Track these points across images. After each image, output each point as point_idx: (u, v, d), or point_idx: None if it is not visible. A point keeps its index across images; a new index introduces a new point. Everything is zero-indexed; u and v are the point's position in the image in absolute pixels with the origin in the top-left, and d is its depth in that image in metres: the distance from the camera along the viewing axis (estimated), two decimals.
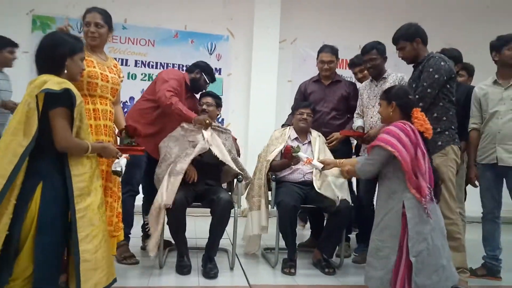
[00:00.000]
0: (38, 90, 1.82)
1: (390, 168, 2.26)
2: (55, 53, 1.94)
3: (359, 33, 5.15)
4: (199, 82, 3.29)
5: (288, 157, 2.91)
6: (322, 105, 3.42)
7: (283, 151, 2.98)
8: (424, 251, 2.14)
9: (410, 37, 2.78)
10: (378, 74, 3.18)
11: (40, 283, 1.82)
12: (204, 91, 3.33)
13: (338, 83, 3.48)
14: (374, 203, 3.18)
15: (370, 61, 3.15)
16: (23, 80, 4.89)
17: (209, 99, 3.15)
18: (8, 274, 1.79)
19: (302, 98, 3.54)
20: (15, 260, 1.80)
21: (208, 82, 3.34)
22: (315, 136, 3.25)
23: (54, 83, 1.84)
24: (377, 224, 2.30)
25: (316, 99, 3.43)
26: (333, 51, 3.44)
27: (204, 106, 3.12)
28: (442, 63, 2.65)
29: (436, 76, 2.63)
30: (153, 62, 5.13)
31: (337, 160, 2.67)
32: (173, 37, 5.29)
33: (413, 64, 2.87)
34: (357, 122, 3.28)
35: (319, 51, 3.48)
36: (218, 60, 5.44)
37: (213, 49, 5.44)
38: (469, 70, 3.60)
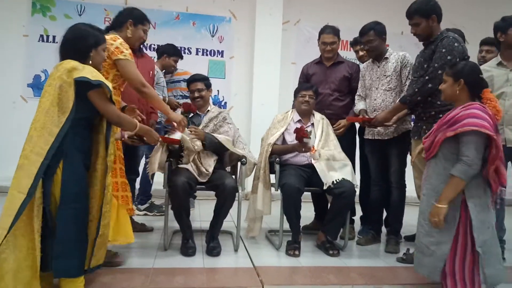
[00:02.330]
0: (68, 74, 1.92)
1: (452, 149, 2.12)
2: (81, 44, 2.04)
3: (363, 14, 5.05)
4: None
5: (300, 138, 2.89)
6: (324, 86, 3.38)
7: (295, 131, 2.92)
8: (489, 240, 2.08)
9: (426, 13, 2.68)
10: (379, 55, 3.12)
11: (61, 256, 1.91)
12: (192, 75, 3.18)
13: (340, 64, 3.44)
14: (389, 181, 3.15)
15: (368, 42, 3.08)
16: (20, 63, 4.95)
17: (199, 85, 3.10)
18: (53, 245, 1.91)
19: (305, 80, 3.51)
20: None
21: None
22: (319, 119, 3.23)
23: (88, 72, 1.95)
24: (428, 208, 2.17)
25: (318, 81, 3.40)
26: (335, 31, 3.38)
27: (196, 94, 3.08)
28: (456, 44, 2.59)
29: (448, 57, 2.57)
30: (154, 45, 5.05)
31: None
32: (175, 19, 5.24)
33: (423, 42, 2.79)
34: (359, 105, 3.24)
35: (320, 33, 3.42)
36: (220, 43, 5.40)
37: (215, 31, 5.38)
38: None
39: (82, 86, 1.95)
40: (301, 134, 2.86)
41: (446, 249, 2.11)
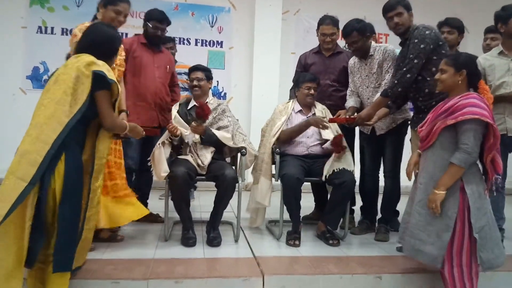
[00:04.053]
0: (87, 67, 1.91)
1: (449, 138, 2.14)
2: (109, 48, 2.10)
3: (362, 4, 5.04)
4: (150, 34, 3.14)
5: (338, 144, 2.92)
6: (323, 77, 3.35)
7: (332, 140, 2.98)
8: (486, 226, 2.12)
9: (407, 6, 2.76)
10: (364, 53, 3.07)
11: (61, 250, 1.88)
12: (194, 65, 3.19)
13: (339, 54, 3.40)
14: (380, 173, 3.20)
15: (353, 44, 2.99)
16: (19, 55, 4.93)
17: (199, 74, 3.09)
18: (42, 240, 1.86)
19: (303, 70, 3.47)
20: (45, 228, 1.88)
21: (152, 27, 3.11)
22: (320, 109, 3.22)
23: (106, 69, 1.96)
24: (427, 196, 2.20)
25: (317, 71, 3.36)
26: (334, 22, 3.35)
27: (195, 82, 3.07)
28: (427, 32, 2.62)
29: (421, 46, 2.60)
30: None
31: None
32: (173, 9, 5.20)
33: (399, 42, 2.83)
34: (349, 102, 3.19)
35: (320, 23, 3.39)
36: (219, 33, 5.37)
37: (214, 21, 5.35)
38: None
39: (95, 83, 1.92)
40: (341, 148, 2.93)
41: (447, 236, 2.13)
